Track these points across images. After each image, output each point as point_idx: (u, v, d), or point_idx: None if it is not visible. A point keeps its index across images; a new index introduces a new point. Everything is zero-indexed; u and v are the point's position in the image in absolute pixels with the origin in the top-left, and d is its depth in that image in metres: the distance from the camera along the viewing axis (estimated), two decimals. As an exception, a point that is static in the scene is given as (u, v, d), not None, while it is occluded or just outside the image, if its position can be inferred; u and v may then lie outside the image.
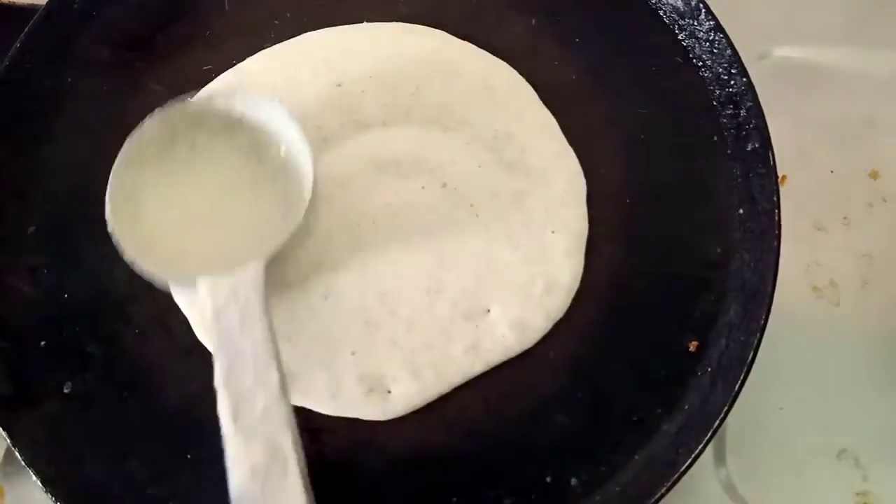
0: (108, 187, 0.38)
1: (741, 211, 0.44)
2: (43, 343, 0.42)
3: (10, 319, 0.43)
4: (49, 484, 0.39)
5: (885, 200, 0.51)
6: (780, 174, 0.50)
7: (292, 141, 0.40)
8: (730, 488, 0.45)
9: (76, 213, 0.45)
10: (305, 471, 0.32)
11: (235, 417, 0.32)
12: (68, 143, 0.46)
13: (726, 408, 0.40)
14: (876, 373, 0.47)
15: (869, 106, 0.53)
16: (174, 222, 0.39)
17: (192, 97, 0.42)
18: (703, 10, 0.46)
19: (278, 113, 0.40)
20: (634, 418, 0.41)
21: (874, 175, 0.51)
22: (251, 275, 0.35)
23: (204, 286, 0.35)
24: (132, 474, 0.40)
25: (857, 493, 0.45)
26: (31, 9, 0.51)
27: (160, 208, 0.39)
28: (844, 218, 0.50)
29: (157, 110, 0.40)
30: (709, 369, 0.41)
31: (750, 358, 0.40)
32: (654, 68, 0.47)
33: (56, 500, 0.39)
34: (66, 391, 0.41)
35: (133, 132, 0.40)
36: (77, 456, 0.40)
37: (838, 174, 0.51)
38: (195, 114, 0.40)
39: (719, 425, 0.39)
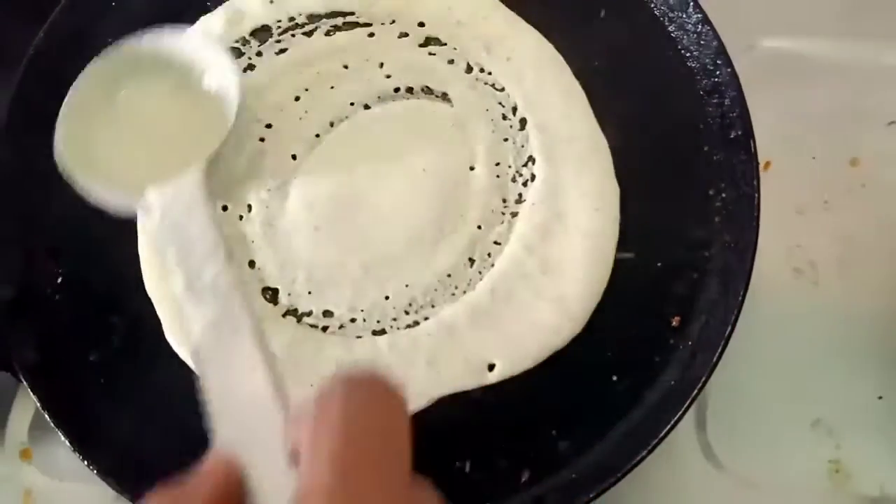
0: (57, 133, 0.43)
1: (724, 195, 0.46)
2: (68, 315, 0.46)
3: (37, 293, 0.46)
4: (77, 443, 0.42)
5: (863, 186, 0.53)
6: (764, 160, 0.53)
7: (218, 66, 0.45)
8: (709, 454, 0.48)
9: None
10: (260, 329, 0.34)
11: (188, 287, 0.35)
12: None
13: (704, 379, 0.42)
14: (851, 348, 0.50)
15: (852, 95, 0.55)
16: (122, 156, 0.44)
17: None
18: (692, 3, 0.48)
19: (200, 42, 0.46)
20: (619, 388, 0.44)
21: (854, 162, 0.54)
22: (193, 175, 0.39)
23: (152, 193, 0.39)
24: (156, 434, 0.43)
25: (830, 461, 0.48)
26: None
27: (108, 145, 0.44)
28: (825, 202, 0.53)
29: (94, 59, 0.45)
30: (689, 343, 0.44)
31: (728, 333, 0.43)
32: (643, 58, 0.49)
33: (84, 459, 0.42)
34: (91, 359, 0.45)
35: (76, 80, 0.44)
36: (102, 417, 0.43)
37: (820, 160, 0.54)
38: (128, 58, 0.45)
39: (697, 395, 0.42)
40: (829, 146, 0.54)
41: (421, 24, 0.50)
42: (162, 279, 0.46)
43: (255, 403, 0.30)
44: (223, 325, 0.33)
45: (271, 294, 0.46)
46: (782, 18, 0.57)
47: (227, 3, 0.51)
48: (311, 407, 0.26)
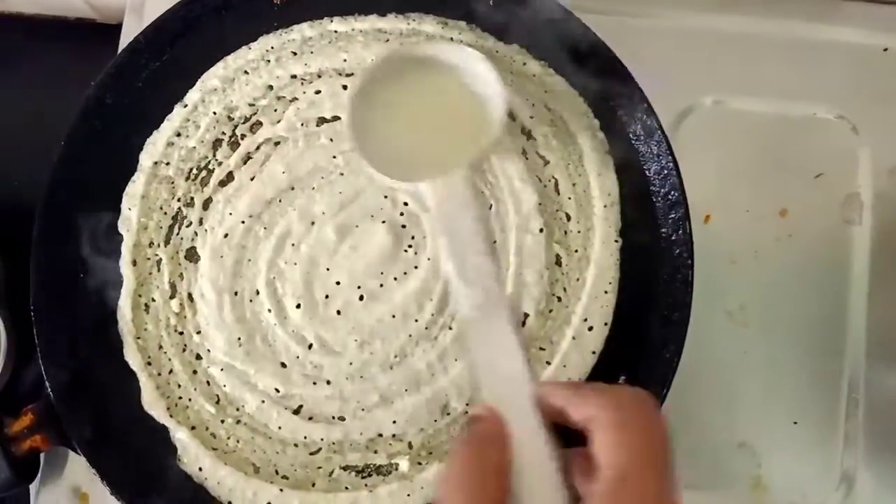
0: (347, 118, 0.50)
1: (665, 278, 0.54)
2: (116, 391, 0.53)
3: (87, 375, 0.53)
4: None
5: (790, 236, 0.61)
6: (705, 214, 0.61)
7: (482, 75, 0.50)
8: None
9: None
10: (517, 315, 0.43)
11: (458, 273, 0.43)
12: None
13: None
14: (772, 381, 0.59)
15: (780, 149, 0.62)
16: (396, 142, 0.50)
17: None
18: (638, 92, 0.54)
19: (473, 57, 0.51)
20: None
21: (783, 213, 0.61)
22: (462, 175, 0.47)
23: (428, 186, 0.47)
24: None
25: (752, 476, 0.58)
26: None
27: (382, 132, 0.50)
28: (755, 252, 0.61)
29: (378, 55, 0.53)
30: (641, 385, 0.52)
31: (669, 378, 0.51)
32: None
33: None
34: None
35: (361, 71, 0.52)
36: (152, 480, 0.52)
37: (752, 213, 0.61)
38: (408, 58, 0.52)
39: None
40: (761, 199, 0.61)
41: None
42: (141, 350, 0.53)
43: (512, 376, 0.38)
44: (486, 308, 0.41)
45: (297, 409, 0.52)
46: (723, 80, 0.63)
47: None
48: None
